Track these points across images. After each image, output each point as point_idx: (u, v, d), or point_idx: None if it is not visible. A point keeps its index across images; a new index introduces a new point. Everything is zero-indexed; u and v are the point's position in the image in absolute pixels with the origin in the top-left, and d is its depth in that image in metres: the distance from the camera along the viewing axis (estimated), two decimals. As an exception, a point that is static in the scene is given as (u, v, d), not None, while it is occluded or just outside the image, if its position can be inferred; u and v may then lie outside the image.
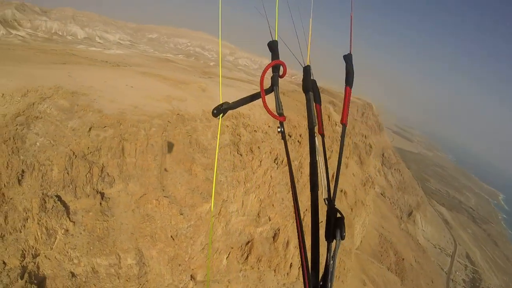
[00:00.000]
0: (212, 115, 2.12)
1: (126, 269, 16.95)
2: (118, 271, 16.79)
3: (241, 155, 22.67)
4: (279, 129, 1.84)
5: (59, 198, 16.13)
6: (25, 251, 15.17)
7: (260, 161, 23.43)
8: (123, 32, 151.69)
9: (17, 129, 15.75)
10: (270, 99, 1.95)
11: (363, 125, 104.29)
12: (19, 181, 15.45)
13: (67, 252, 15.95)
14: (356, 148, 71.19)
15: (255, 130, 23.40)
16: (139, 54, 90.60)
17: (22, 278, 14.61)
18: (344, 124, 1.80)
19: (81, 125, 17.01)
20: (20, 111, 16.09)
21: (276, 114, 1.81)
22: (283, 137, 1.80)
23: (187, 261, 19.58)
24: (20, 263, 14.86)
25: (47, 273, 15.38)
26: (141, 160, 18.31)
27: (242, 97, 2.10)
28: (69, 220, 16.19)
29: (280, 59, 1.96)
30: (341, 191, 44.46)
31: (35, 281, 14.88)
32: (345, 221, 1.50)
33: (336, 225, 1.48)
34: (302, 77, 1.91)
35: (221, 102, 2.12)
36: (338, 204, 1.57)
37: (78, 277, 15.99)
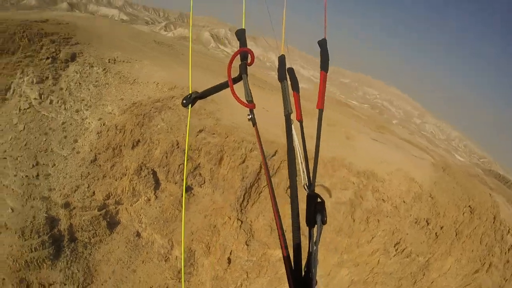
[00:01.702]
0: (182, 105, 2.01)
1: (173, 259, 18.14)
2: (167, 256, 18.19)
3: (353, 220, 18.32)
4: (249, 116, 1.75)
5: (153, 172, 18.09)
6: (111, 195, 18.26)
7: (372, 237, 18.31)
8: (317, 70, 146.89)
9: (151, 110, 18.52)
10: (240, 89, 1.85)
11: None
12: (132, 146, 18.13)
13: (140, 216, 18.27)
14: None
15: (383, 200, 17.89)
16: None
17: (99, 210, 17.75)
18: (320, 109, 1.81)
19: (196, 125, 18.40)
20: (160, 99, 18.86)
21: (245, 101, 1.77)
22: (254, 124, 1.73)
23: (230, 290, 19.03)
24: (102, 200, 18.05)
25: (121, 220, 18.28)
26: (230, 175, 17.78)
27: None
28: (154, 193, 18.11)
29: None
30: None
31: (109, 220, 18.06)
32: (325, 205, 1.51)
33: (316, 210, 1.46)
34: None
35: (190, 92, 2.04)
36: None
37: (140, 238, 18.32)
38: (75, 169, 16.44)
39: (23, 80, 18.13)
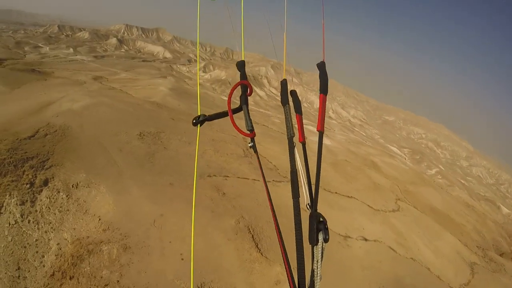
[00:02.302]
0: (192, 125, 2.27)
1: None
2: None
3: None
4: (250, 144, 2.00)
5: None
6: None
7: None
8: (361, 108, 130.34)
9: (83, 252, 22.32)
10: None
11: None
12: (70, 277, 22.86)
13: None
14: None
15: None
16: (355, 142, 63.95)
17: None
18: (320, 131, 1.89)
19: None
20: (93, 241, 22.49)
21: (246, 131, 1.98)
22: (255, 151, 1.94)
23: None
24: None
25: None
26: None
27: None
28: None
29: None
30: None
31: None
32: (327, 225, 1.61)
33: (319, 229, 1.57)
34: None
35: (198, 114, 2.27)
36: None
37: None
38: (41, 278, 21.87)
39: (11, 201, 23.60)
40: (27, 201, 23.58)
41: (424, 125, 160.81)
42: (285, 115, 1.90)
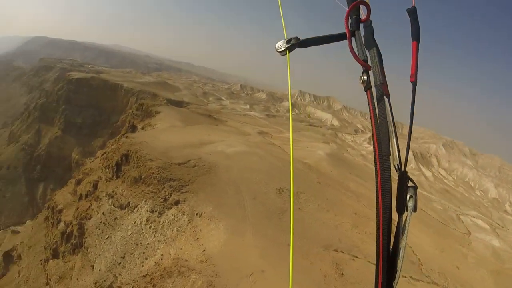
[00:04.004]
0: (276, 50, 1.86)
1: None
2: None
3: None
4: (362, 79, 1.64)
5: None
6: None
7: None
8: None
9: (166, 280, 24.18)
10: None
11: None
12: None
13: None
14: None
15: None
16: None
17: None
18: (413, 82, 1.71)
19: None
20: (177, 271, 24.12)
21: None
22: (368, 88, 1.61)
23: None
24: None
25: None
26: None
27: None
28: None
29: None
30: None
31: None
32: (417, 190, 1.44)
33: (407, 195, 1.45)
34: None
35: (288, 38, 1.85)
36: None
37: None
38: (134, 274, 23.79)
39: (144, 206, 27.89)
40: (156, 211, 27.56)
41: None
42: (371, 60, 1.69)
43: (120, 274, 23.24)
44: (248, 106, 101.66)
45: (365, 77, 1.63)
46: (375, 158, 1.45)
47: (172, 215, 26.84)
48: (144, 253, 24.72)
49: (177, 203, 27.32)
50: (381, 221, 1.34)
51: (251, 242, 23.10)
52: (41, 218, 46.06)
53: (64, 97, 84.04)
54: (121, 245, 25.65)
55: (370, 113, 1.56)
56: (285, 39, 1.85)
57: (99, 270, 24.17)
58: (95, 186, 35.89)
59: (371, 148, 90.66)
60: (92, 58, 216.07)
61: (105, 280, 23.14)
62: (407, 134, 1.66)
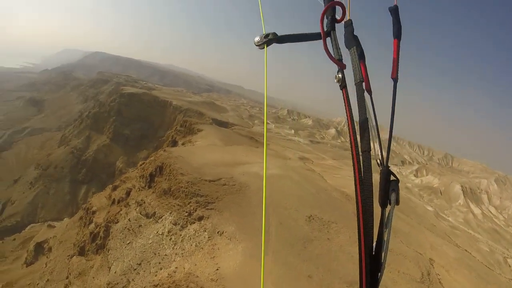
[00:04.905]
0: (254, 43, 1.93)
1: None
2: None
3: None
4: (337, 77, 1.68)
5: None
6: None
7: None
8: None
9: None
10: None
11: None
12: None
13: None
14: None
15: None
16: None
17: None
18: (394, 78, 1.75)
19: None
20: None
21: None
22: (343, 87, 1.65)
23: None
24: None
25: None
26: None
27: None
28: None
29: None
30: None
31: None
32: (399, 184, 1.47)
33: (390, 189, 1.50)
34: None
35: (266, 33, 1.91)
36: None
37: None
38: (146, 282, 23.93)
39: (168, 217, 28.53)
40: (179, 224, 28.09)
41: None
42: (351, 59, 1.72)
43: (133, 280, 23.67)
44: (292, 131, 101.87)
45: (340, 75, 1.68)
46: (352, 154, 1.50)
47: (194, 230, 27.17)
48: (160, 263, 25.10)
49: (200, 218, 27.67)
50: (361, 215, 1.39)
51: (267, 268, 22.50)
52: (77, 217, 48.51)
53: (116, 109, 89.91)
54: (140, 252, 26.27)
55: (346, 110, 1.60)
56: (263, 34, 1.91)
57: (115, 272, 24.80)
58: (128, 193, 37.41)
59: (417, 181, 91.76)
60: (146, 76, 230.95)
61: (117, 283, 23.64)
62: (389, 130, 1.72)
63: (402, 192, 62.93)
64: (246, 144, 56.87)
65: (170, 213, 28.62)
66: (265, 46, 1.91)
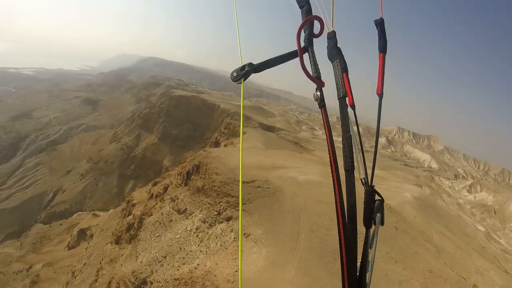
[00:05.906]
0: (231, 79, 1.85)
1: None
2: None
3: None
4: (315, 96, 1.62)
5: None
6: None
7: None
8: None
9: None
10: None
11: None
12: None
13: None
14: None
15: None
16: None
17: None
18: (379, 94, 1.73)
19: None
20: None
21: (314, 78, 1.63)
22: (323, 105, 1.61)
23: None
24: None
25: None
26: None
27: None
28: None
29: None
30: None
31: None
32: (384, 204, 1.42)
33: (375, 209, 1.46)
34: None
35: (242, 64, 1.83)
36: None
37: None
38: (168, 275, 24.46)
39: (198, 215, 29.07)
40: (207, 222, 28.54)
41: None
42: (334, 72, 1.66)
43: (156, 271, 24.35)
44: (341, 138, 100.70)
45: (318, 94, 1.62)
46: (332, 173, 1.45)
47: (221, 229, 27.44)
48: (184, 258, 25.60)
49: (229, 219, 27.90)
50: (342, 235, 1.40)
51: (289, 277, 21.90)
52: (119, 209, 51.30)
53: (165, 110, 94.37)
54: (167, 245, 27.01)
55: (325, 130, 1.58)
56: (239, 67, 1.84)
57: (141, 262, 25.70)
58: (165, 189, 38.83)
59: (470, 197, 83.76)
60: (197, 80, 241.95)
61: (141, 272, 24.45)
62: (374, 147, 1.69)
63: (453, 208, 58.64)
64: (289, 149, 56.41)
65: (200, 210, 29.21)
66: (242, 81, 1.82)
